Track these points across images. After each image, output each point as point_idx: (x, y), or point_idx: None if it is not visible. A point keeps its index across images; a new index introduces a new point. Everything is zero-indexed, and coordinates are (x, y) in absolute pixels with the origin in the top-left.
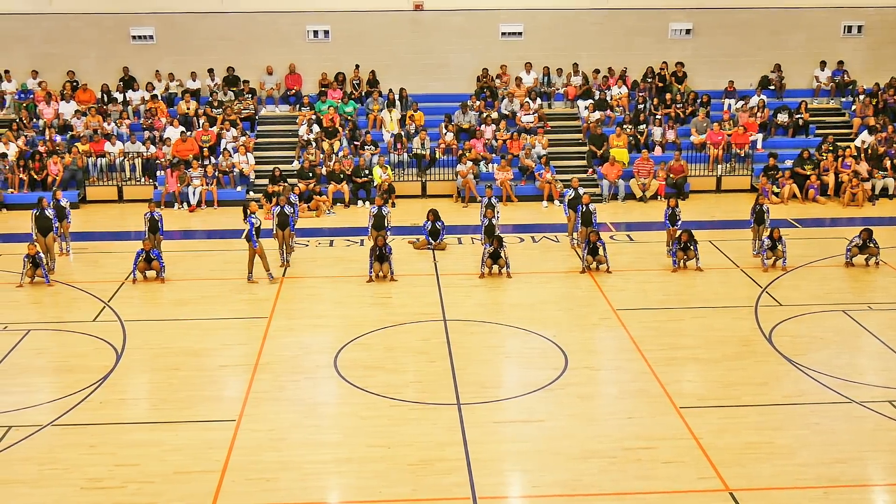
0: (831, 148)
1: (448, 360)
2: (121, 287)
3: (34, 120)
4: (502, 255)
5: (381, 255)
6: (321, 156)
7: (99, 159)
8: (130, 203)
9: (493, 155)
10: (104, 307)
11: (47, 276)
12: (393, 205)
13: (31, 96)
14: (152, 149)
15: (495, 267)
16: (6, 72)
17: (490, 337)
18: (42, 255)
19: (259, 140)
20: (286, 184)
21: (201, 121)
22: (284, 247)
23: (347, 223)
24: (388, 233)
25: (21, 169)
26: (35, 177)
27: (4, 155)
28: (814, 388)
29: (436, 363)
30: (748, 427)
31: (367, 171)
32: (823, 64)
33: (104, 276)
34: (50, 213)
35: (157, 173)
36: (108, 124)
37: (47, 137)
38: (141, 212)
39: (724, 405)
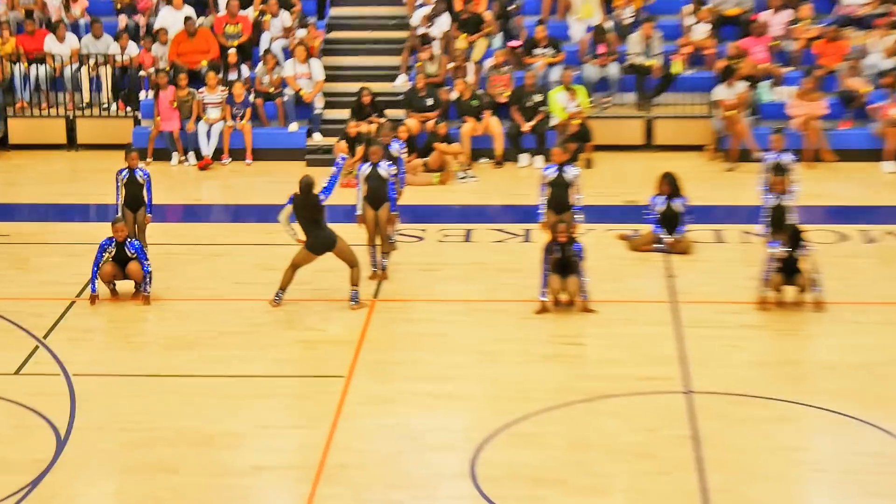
0: None
1: (694, 473)
2: (69, 309)
3: None
4: (803, 264)
5: (563, 261)
6: (450, 65)
7: (34, 68)
8: (90, 150)
9: (789, 68)
10: (35, 348)
11: None
12: (587, 163)
13: None
14: (133, 49)
15: (791, 288)
16: None
17: (782, 429)
18: None
19: (334, 36)
20: (385, 120)
21: None
22: (378, 240)
23: (498, 197)
24: (579, 216)
25: None
26: None
27: None
28: None
29: (670, 477)
30: None
31: (538, 97)
32: None
33: (38, 288)
34: None
35: (142, 96)
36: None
37: None
38: (110, 167)
39: None
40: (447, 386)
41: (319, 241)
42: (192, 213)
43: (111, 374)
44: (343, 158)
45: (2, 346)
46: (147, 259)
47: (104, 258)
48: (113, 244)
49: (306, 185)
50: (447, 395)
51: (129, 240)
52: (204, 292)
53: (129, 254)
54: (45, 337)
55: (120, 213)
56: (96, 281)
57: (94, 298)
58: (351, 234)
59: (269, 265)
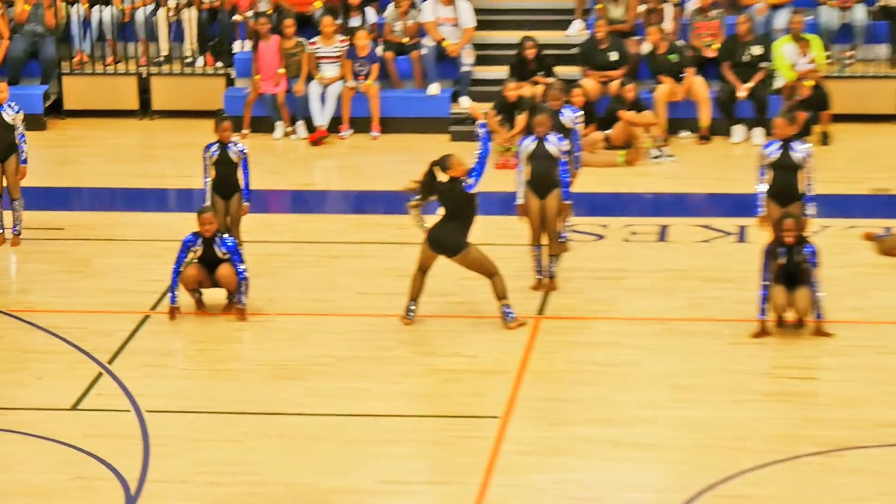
0: None
1: None
2: (141, 326)
3: None
4: None
5: (790, 268)
6: (641, 8)
7: (96, 11)
8: (168, 119)
9: None
10: (98, 376)
11: None
12: (823, 138)
13: None
14: None
15: None
16: None
17: None
18: None
19: None
20: (555, 81)
21: None
22: (545, 239)
23: (703, 183)
24: (811, 209)
25: None
26: None
27: None
28: None
29: None
30: None
31: (757, 50)
32: None
33: (101, 299)
34: None
35: (236, 48)
36: None
37: None
38: (195, 141)
39: None
40: (634, 431)
41: (441, 238)
42: (302, 202)
43: (196, 411)
44: (484, 126)
45: (56, 373)
46: (243, 261)
47: (188, 259)
48: (199, 241)
49: (446, 166)
50: (634, 444)
51: (219, 235)
52: (316, 305)
53: (219, 254)
54: (110, 362)
55: (208, 201)
56: (177, 289)
57: (174, 311)
58: (509, 231)
59: (402, 270)
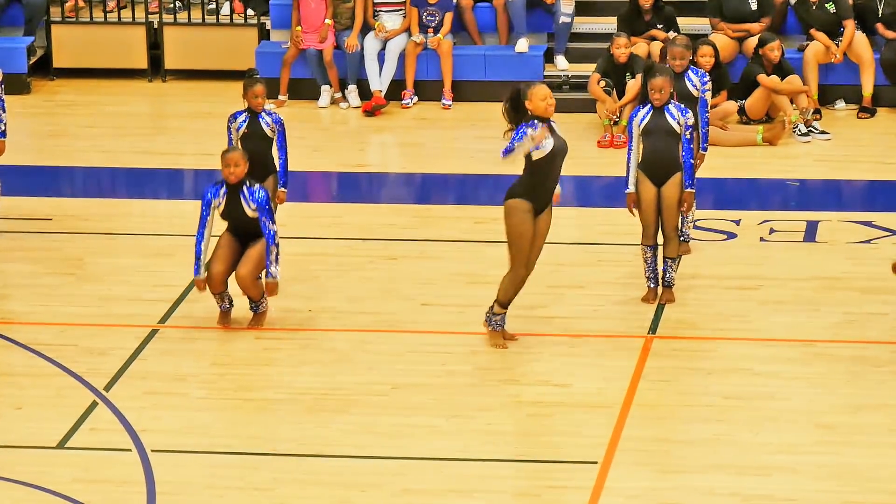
0: None
1: None
2: (148, 342)
3: None
4: None
5: None
6: None
7: None
8: (184, 81)
9: None
10: (92, 406)
11: None
12: None
13: None
14: None
15: None
16: None
17: None
18: None
19: None
20: (677, 35)
21: None
22: (661, 237)
23: (863, 168)
24: None
25: None
26: None
27: None
28: None
29: None
30: None
31: None
32: None
33: (97, 308)
34: None
35: None
36: None
37: None
38: (219, 110)
39: None
40: (769, 482)
41: (542, 193)
42: (353, 188)
43: (214, 451)
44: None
45: (39, 401)
46: (274, 221)
47: (203, 252)
48: (222, 191)
49: (525, 94)
50: (769, 498)
51: (247, 184)
52: (369, 319)
53: (248, 210)
54: (107, 388)
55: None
56: (203, 257)
57: (202, 284)
58: (615, 227)
59: (477, 276)
